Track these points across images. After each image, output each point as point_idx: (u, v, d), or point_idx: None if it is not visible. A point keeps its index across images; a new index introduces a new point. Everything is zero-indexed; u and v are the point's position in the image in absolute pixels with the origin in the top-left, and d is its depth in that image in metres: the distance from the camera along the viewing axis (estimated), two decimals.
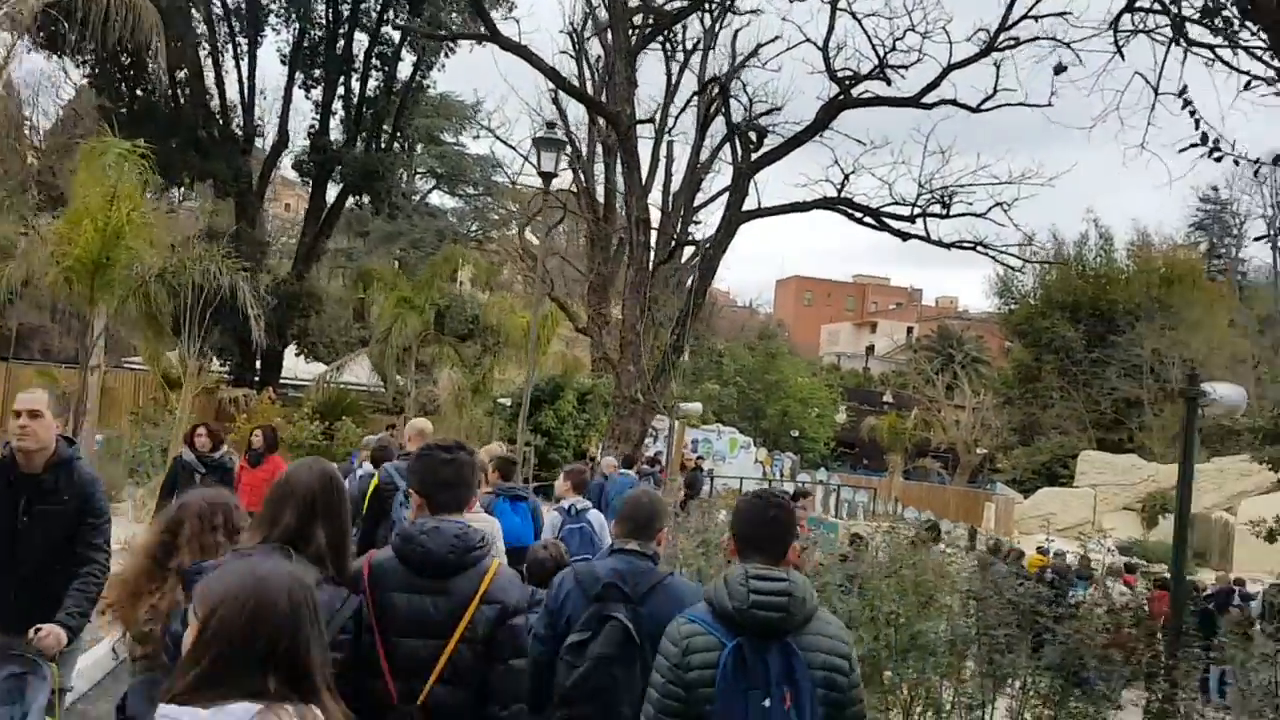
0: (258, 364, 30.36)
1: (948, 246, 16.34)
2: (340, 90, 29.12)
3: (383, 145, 29.84)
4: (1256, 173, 4.86)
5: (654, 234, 16.58)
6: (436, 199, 57.29)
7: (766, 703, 2.61)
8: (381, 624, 2.81)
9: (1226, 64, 5.33)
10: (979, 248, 15.94)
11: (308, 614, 1.86)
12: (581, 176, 25.06)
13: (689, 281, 16.71)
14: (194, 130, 27.43)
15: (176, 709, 1.73)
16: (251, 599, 1.81)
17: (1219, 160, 5.01)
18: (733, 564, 2.91)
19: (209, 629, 1.79)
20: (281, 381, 31.09)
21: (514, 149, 20.32)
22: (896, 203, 16.07)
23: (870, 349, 76.48)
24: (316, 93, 29.25)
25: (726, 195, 16.70)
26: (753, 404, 40.62)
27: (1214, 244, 53.49)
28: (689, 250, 19.07)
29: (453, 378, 23.87)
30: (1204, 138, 4.98)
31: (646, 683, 3.05)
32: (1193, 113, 5.24)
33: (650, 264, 16.19)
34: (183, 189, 31.33)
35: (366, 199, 31.46)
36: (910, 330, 77.30)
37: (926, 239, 16.94)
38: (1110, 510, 29.73)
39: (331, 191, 30.85)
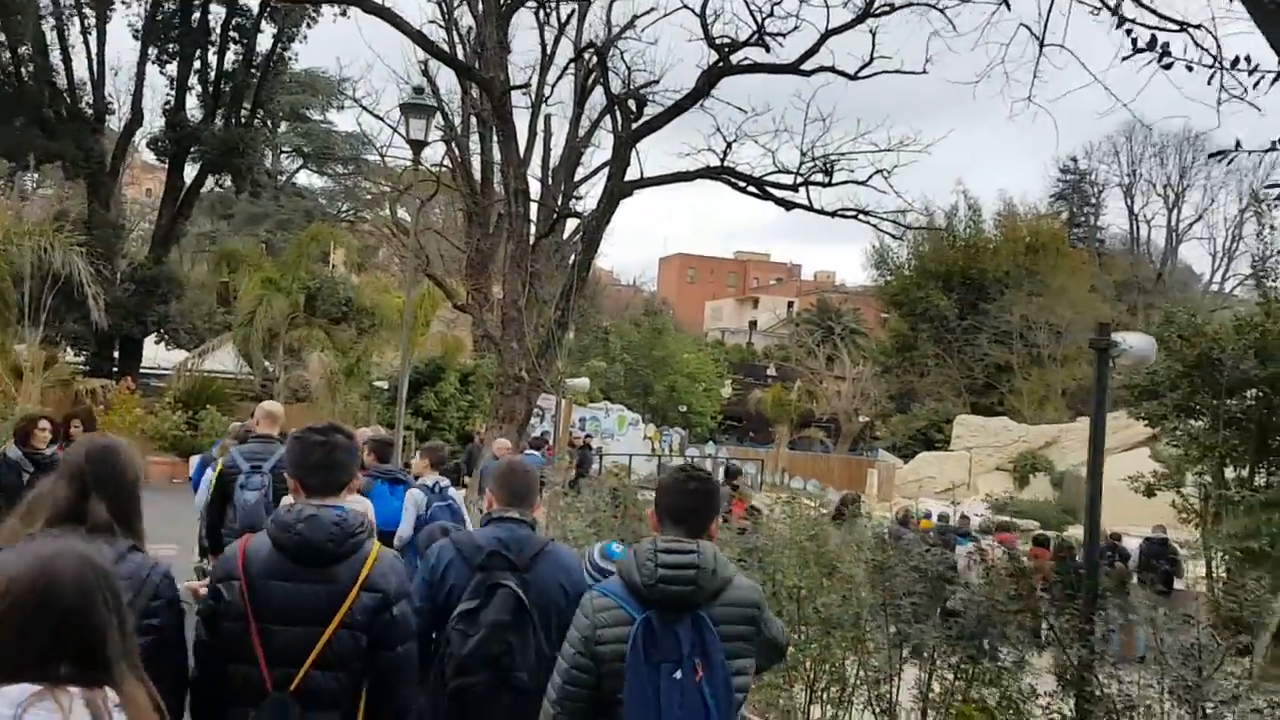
0: (115, 353, 28.64)
1: (831, 215, 16.29)
2: (197, 65, 27.49)
3: (243, 121, 28.34)
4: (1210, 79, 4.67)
5: (534, 207, 16.00)
6: (304, 179, 55.30)
7: (677, 675, 2.60)
8: (257, 611, 2.76)
9: (1112, 10, 5.14)
10: (860, 215, 15.92)
11: (101, 596, 1.83)
12: (455, 151, 24.22)
13: (572, 256, 16.21)
14: (39, 109, 25.49)
15: None
16: (40, 581, 1.78)
17: (1168, 68, 4.81)
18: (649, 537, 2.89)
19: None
20: (143, 371, 29.41)
21: (382, 119, 19.26)
22: (780, 171, 15.91)
23: (753, 324, 77.53)
24: (171, 68, 27.56)
25: (608, 167, 16.27)
26: (640, 380, 40.48)
27: (1073, 213, 55.70)
28: (571, 226, 18.64)
29: (324, 361, 22.86)
30: (1152, 41, 4.74)
31: (538, 648, 3.14)
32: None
33: (530, 237, 15.64)
34: (31, 173, 29.11)
35: (228, 178, 29.91)
36: (791, 305, 78.86)
37: (809, 208, 16.85)
38: (984, 472, 30.64)
39: (191, 171, 29.20)
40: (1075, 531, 22.51)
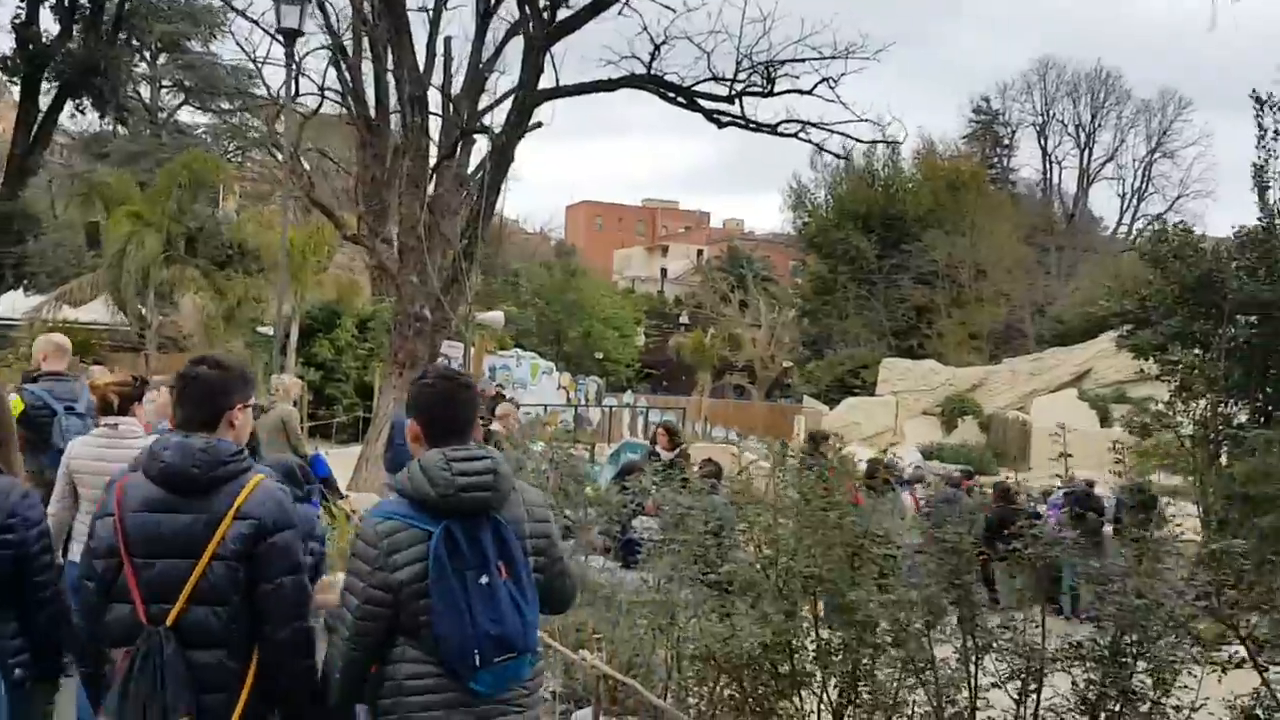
0: None
1: (770, 130, 14.59)
2: None
3: (104, 37, 25.20)
4: None
5: (435, 124, 13.91)
6: (187, 116, 51.32)
7: (484, 580, 2.60)
8: (130, 545, 2.72)
9: None
10: (806, 130, 14.26)
11: None
12: (345, 71, 21.72)
13: (480, 175, 14.17)
14: None
15: None
16: None
17: None
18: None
19: None
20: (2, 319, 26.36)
21: (242, 14, 16.53)
22: (714, 78, 14.10)
23: (664, 271, 76.15)
24: None
25: (519, 76, 14.22)
26: (553, 326, 38.49)
27: (985, 155, 55.15)
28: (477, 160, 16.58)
29: (198, 304, 20.38)
30: None
31: None
32: None
33: (432, 157, 13.57)
34: None
35: (88, 102, 26.77)
36: (700, 252, 78.17)
37: (745, 123, 15.14)
38: (912, 416, 29.72)
39: (48, 97, 25.96)
40: (1008, 476, 21.62)
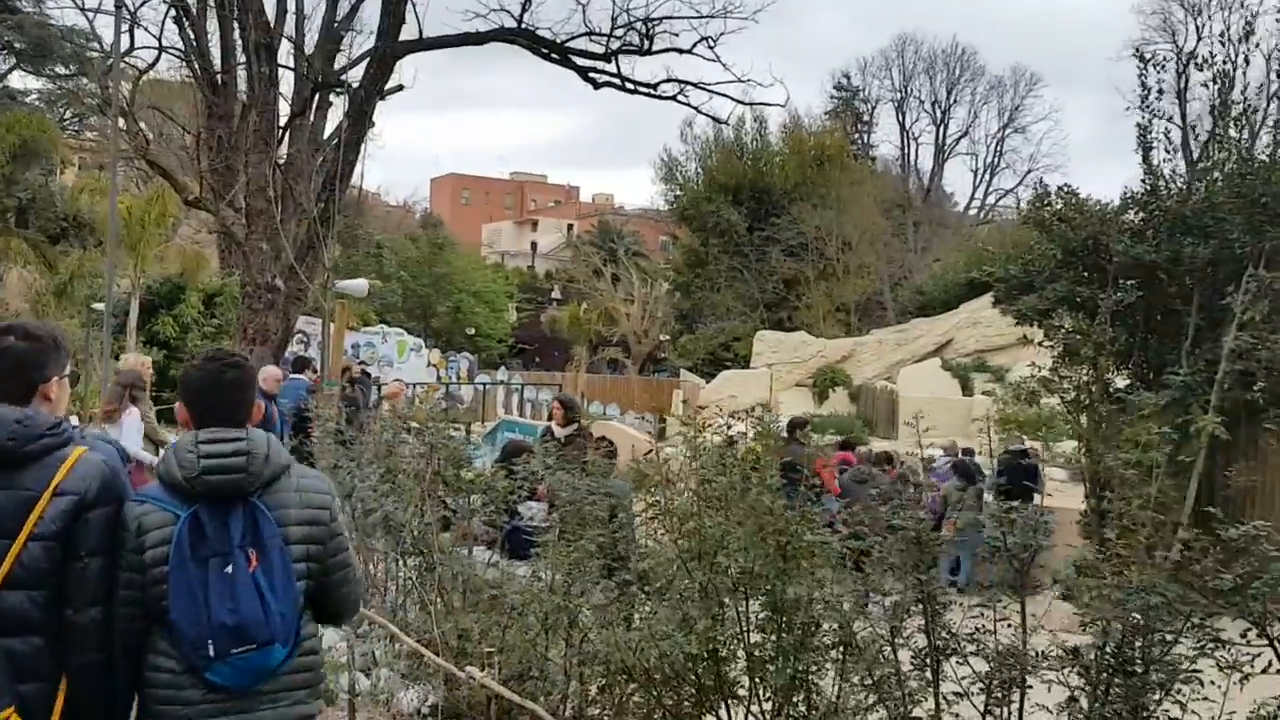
0: None
1: (648, 91, 13.95)
2: None
3: None
4: None
5: (286, 78, 12.71)
6: (18, 81, 47.28)
7: (229, 569, 2.48)
8: None
9: None
10: (687, 90, 13.66)
11: None
12: (190, 30, 20.03)
13: (337, 137, 13.03)
14: None
15: None
16: None
17: None
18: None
19: None
20: None
21: None
22: (590, 33, 13.34)
23: (534, 246, 74.97)
24: None
25: (378, 25, 13.13)
26: (421, 301, 36.99)
27: (846, 130, 55.95)
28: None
29: (26, 279, 18.48)
30: None
31: None
32: None
33: (283, 114, 12.39)
34: None
35: None
36: (571, 227, 77.52)
37: (621, 84, 14.46)
38: (785, 388, 29.75)
39: None
40: (879, 445, 21.74)
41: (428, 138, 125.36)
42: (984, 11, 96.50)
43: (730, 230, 40.69)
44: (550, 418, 9.62)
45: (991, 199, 57.26)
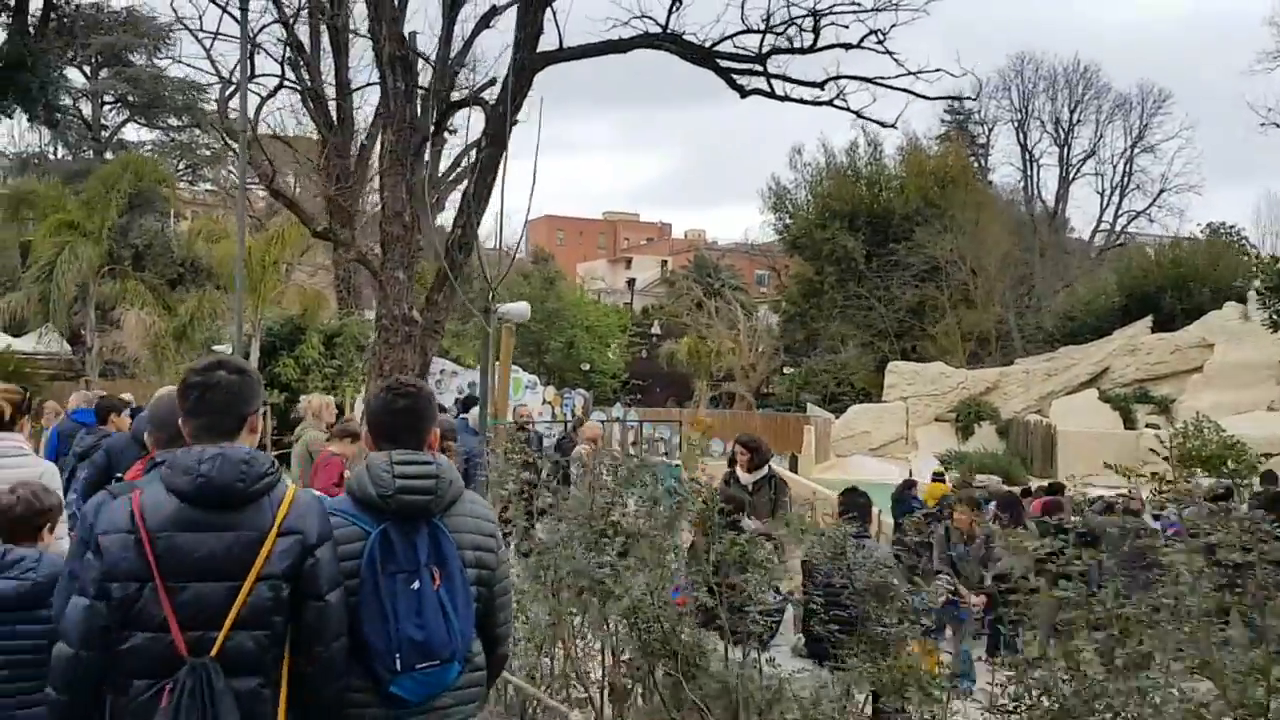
0: None
1: (799, 98, 12.59)
2: None
3: (30, 29, 22.62)
4: None
5: (418, 89, 11.71)
6: (133, 134, 48.64)
7: (416, 585, 2.58)
8: (162, 569, 2.48)
9: None
10: (843, 94, 12.20)
11: None
12: (306, 75, 19.56)
13: (477, 149, 12.00)
14: None
15: None
16: None
17: None
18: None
19: None
20: None
21: None
22: (747, 30, 12.07)
23: (632, 282, 74.50)
24: None
25: (515, 35, 12.08)
26: (533, 337, 36.14)
27: (960, 153, 53.74)
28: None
29: (145, 321, 17.94)
30: None
31: None
32: None
33: (414, 122, 11.36)
34: None
35: (16, 106, 24.15)
36: (665, 263, 77.20)
37: (770, 91, 13.15)
38: (923, 423, 27.90)
39: None
40: (1039, 483, 19.71)
41: (520, 183, 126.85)
42: (1103, 28, 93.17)
43: (846, 258, 39.00)
44: (732, 462, 8.17)
45: (1122, 221, 54.23)
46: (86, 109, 44.74)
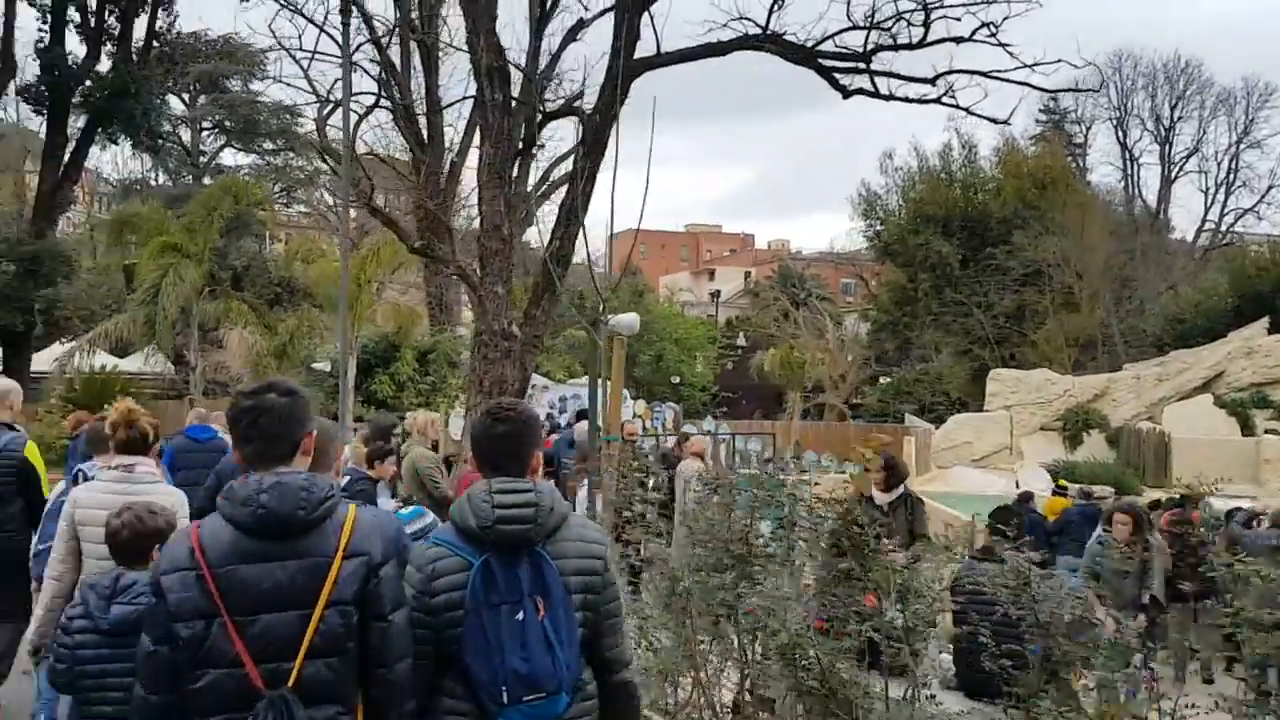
0: None
1: (905, 97, 12.08)
2: None
3: (134, 57, 23.30)
4: None
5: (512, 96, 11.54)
6: (230, 158, 50.16)
7: (520, 616, 2.53)
8: (229, 604, 2.43)
9: None
10: (953, 91, 11.66)
11: None
12: (397, 93, 19.73)
13: (574, 159, 11.78)
14: None
15: None
16: None
17: None
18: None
19: None
20: (37, 374, 24.43)
21: (303, 15, 14.40)
22: (853, 27, 11.62)
23: (716, 294, 74.15)
24: None
25: (612, 43, 11.85)
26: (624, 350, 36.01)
27: (1056, 154, 52.02)
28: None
29: (247, 340, 18.18)
30: None
31: None
32: None
33: (511, 133, 11.19)
34: None
35: (122, 137, 24.89)
36: (748, 274, 76.77)
37: (874, 90, 12.66)
38: (1028, 433, 26.83)
39: (76, 128, 24.17)
40: (1153, 494, 18.65)
41: (600, 198, 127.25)
42: (1203, 23, 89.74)
43: (941, 263, 37.94)
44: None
45: (1228, 219, 51.87)
46: (186, 135, 46.22)
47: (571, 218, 11.60)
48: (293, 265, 26.51)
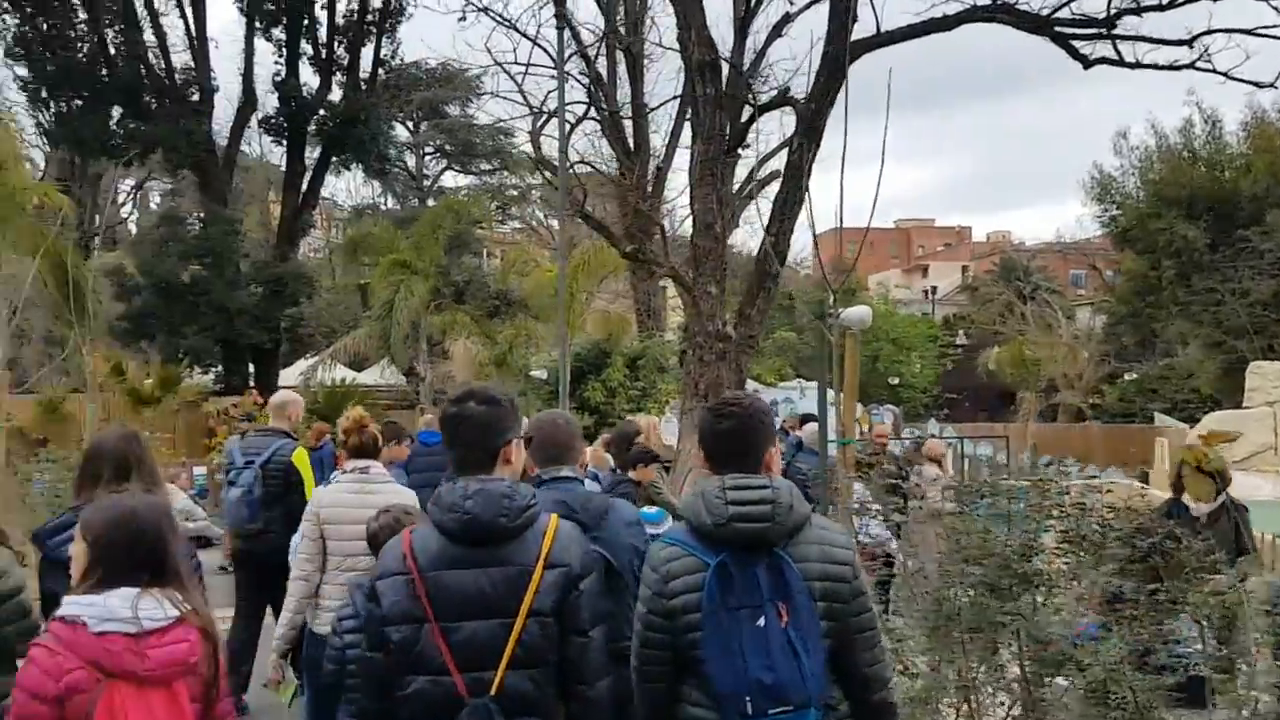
0: (250, 366, 25.61)
1: (1172, 53, 10.88)
2: (305, 22, 23.89)
3: (362, 85, 24.67)
4: None
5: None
6: (450, 180, 52.97)
7: (761, 621, 2.38)
8: (436, 610, 2.45)
9: None
10: (1239, 32, 10.39)
11: (167, 526, 2.69)
12: (603, 98, 19.93)
13: (788, 151, 11.31)
14: (134, 94, 22.43)
15: (79, 598, 2.57)
16: (130, 522, 2.65)
17: None
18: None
19: (100, 546, 2.63)
20: (282, 387, 26.35)
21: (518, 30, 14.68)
22: None
23: (931, 291, 71.35)
24: (279, 31, 24.02)
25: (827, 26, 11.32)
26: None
27: None
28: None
29: (469, 350, 18.78)
30: None
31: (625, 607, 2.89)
32: None
33: (723, 129, 10.87)
34: (132, 165, 26.22)
35: (355, 164, 26.49)
36: (965, 269, 73.42)
37: (1119, 59, 11.52)
38: None
39: (312, 157, 25.89)
40: None
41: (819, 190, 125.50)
42: None
43: (1187, 249, 34.72)
44: (1176, 487, 6.75)
45: None
46: (410, 160, 49.02)
47: (786, 213, 11.14)
48: (509, 278, 27.37)
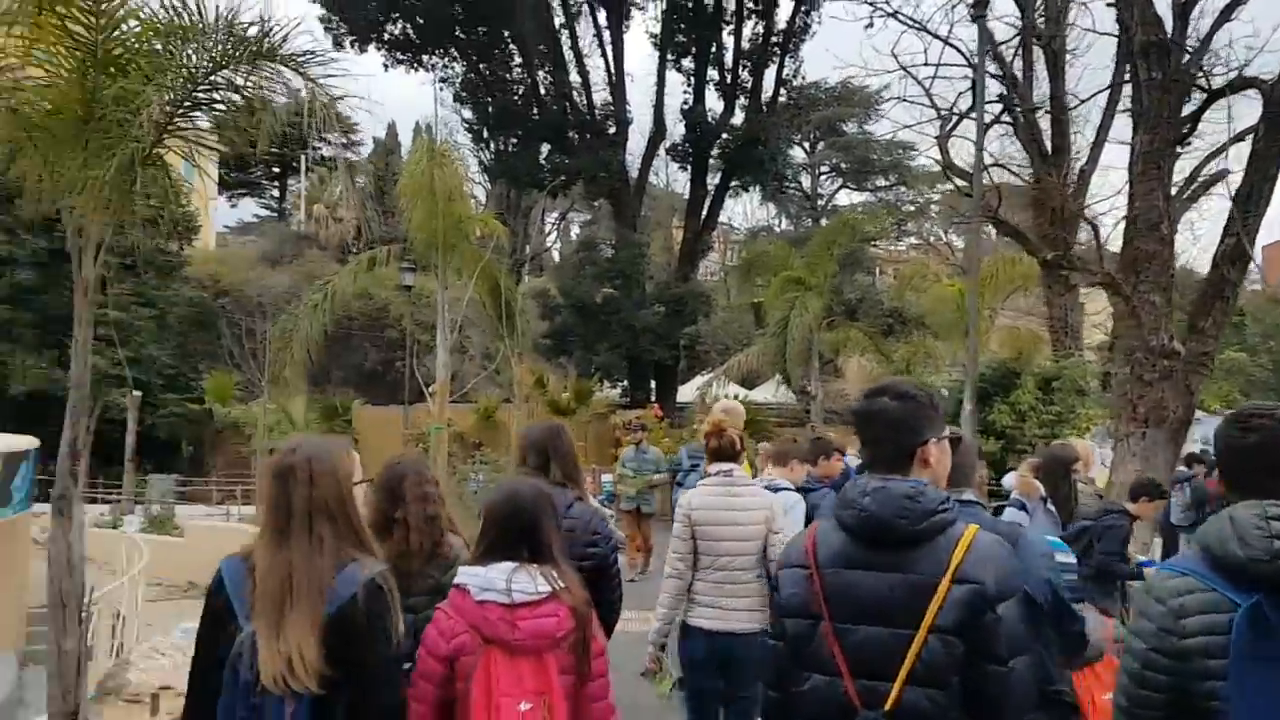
0: (652, 382, 26.94)
1: None
2: (712, 49, 24.80)
3: (763, 108, 25.09)
4: None
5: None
6: (844, 199, 52.84)
7: None
8: (831, 607, 2.36)
9: None
10: None
11: (546, 508, 2.93)
12: (1017, 98, 18.65)
13: (1253, 139, 9.68)
14: (560, 130, 24.55)
15: (469, 568, 2.85)
16: (511, 500, 2.92)
17: None
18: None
19: (488, 520, 2.91)
20: (680, 403, 27.44)
21: (929, 31, 14.09)
22: None
23: None
24: (688, 61, 25.18)
25: None
26: None
27: None
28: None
29: (864, 367, 18.24)
30: None
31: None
32: None
33: (1170, 116, 9.51)
34: (557, 196, 28.71)
35: (754, 186, 27.02)
36: None
37: None
38: None
39: (713, 181, 26.84)
40: None
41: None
42: None
43: None
44: None
45: None
46: (805, 181, 49.47)
47: (1250, 210, 9.53)
48: (904, 295, 26.46)
